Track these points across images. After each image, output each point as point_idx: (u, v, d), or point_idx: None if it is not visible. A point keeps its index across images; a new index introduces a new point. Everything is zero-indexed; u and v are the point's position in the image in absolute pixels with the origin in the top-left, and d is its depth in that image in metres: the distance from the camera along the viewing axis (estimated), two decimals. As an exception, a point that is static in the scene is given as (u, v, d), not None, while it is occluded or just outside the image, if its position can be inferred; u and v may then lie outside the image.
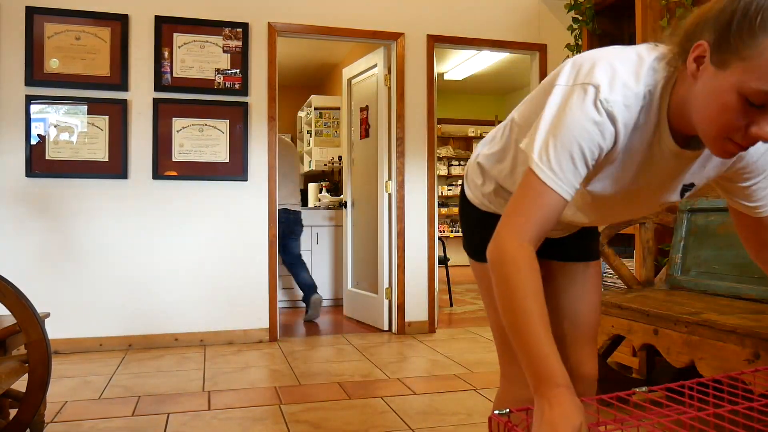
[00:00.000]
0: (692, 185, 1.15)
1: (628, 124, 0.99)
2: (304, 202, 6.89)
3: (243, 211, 4.13)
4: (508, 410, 0.88)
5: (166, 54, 3.99)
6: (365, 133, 4.92)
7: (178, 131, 4.00)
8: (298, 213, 5.03)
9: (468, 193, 1.43)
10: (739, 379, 0.93)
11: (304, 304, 5.05)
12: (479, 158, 1.38)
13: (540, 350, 0.92)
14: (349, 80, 5.24)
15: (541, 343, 0.93)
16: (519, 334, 0.95)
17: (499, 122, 7.26)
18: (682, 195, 1.16)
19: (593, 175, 1.09)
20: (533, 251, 0.99)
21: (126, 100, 3.91)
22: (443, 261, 5.68)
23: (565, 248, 1.44)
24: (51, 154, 3.80)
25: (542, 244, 1.41)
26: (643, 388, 0.93)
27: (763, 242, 1.21)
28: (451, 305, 5.74)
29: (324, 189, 6.49)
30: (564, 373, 0.91)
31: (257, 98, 4.15)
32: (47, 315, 2.41)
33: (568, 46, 4.10)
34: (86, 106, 3.85)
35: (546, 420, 0.86)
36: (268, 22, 4.17)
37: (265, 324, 4.16)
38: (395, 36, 4.41)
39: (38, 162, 3.78)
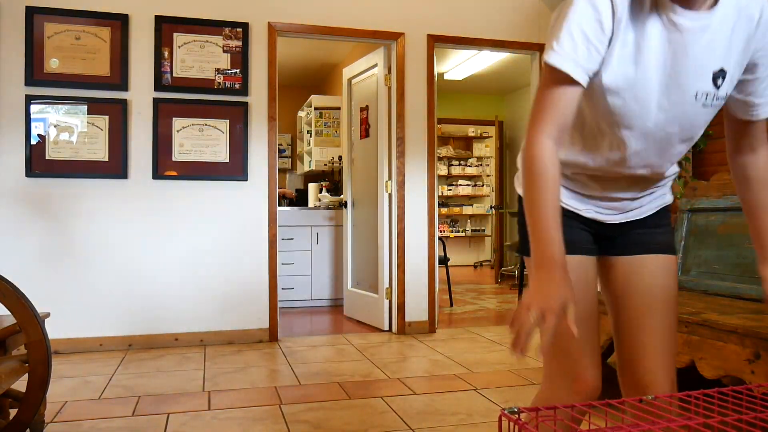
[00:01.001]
0: (723, 72, 1.16)
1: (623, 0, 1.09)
2: (305, 201, 6.88)
3: (243, 211, 4.13)
4: (517, 408, 0.88)
5: (166, 54, 3.99)
6: (365, 133, 4.92)
7: (178, 131, 4.00)
8: None
9: (519, 190, 1.41)
10: (744, 391, 0.94)
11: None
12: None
13: (549, 234, 1.08)
14: (349, 80, 5.24)
15: (551, 227, 1.09)
16: (534, 219, 1.11)
17: (500, 122, 7.22)
18: (716, 85, 1.17)
19: (614, 79, 1.15)
20: (553, 147, 1.12)
21: (126, 99, 3.91)
22: (443, 261, 5.68)
23: (628, 240, 1.37)
24: (51, 154, 3.80)
25: (603, 240, 1.38)
26: (650, 396, 0.93)
27: (740, 147, 1.30)
28: (452, 305, 5.74)
29: (324, 189, 6.48)
30: (563, 256, 1.07)
31: (257, 98, 4.15)
32: (47, 315, 2.41)
33: (568, 46, 4.10)
34: (86, 106, 3.85)
35: (540, 289, 1.02)
36: (268, 22, 4.17)
37: (265, 324, 4.16)
38: (395, 36, 4.41)
39: (38, 162, 3.78)
